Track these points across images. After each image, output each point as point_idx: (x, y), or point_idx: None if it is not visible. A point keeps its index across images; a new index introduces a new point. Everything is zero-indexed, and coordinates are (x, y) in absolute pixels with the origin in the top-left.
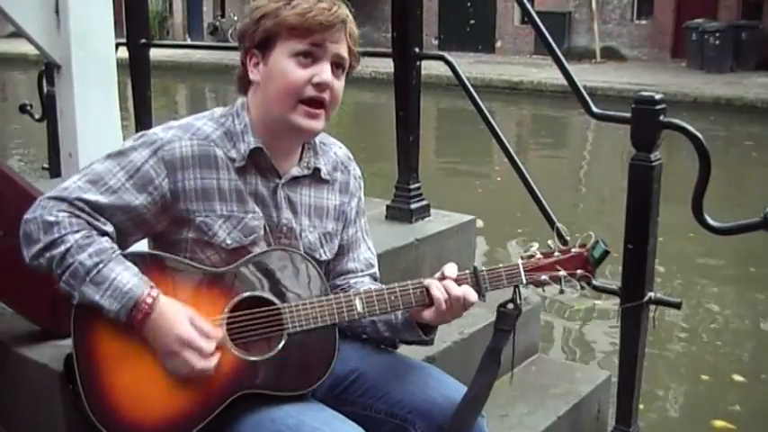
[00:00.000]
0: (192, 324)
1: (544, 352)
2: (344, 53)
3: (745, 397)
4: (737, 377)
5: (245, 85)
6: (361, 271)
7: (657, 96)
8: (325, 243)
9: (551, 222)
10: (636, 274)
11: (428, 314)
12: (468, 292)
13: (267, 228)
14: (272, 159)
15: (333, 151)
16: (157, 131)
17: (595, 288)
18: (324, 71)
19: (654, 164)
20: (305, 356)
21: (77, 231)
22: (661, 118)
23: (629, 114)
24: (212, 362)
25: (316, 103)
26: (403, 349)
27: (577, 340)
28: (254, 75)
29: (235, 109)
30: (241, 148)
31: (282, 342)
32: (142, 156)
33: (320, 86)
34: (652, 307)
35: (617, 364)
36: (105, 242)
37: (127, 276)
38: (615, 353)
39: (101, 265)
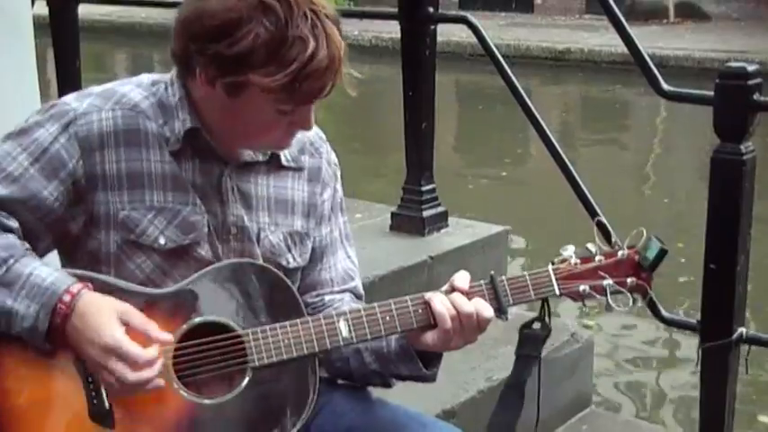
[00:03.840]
0: (121, 323)
1: (599, 405)
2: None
3: None
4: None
5: (185, 73)
6: (338, 284)
7: (751, 68)
8: (294, 246)
9: (593, 216)
10: (721, 304)
11: (431, 337)
12: (481, 306)
13: (211, 226)
14: (215, 142)
15: None
16: (69, 100)
17: (667, 322)
18: (306, 121)
19: (744, 157)
20: (275, 397)
21: None
22: (755, 97)
23: (711, 93)
24: (148, 373)
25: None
26: (413, 400)
27: (644, 389)
28: (204, 91)
29: (170, 77)
30: (175, 127)
31: (246, 379)
32: (50, 132)
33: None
34: (744, 347)
35: (697, 420)
36: (12, 237)
37: (45, 271)
38: (695, 406)
39: (11, 261)
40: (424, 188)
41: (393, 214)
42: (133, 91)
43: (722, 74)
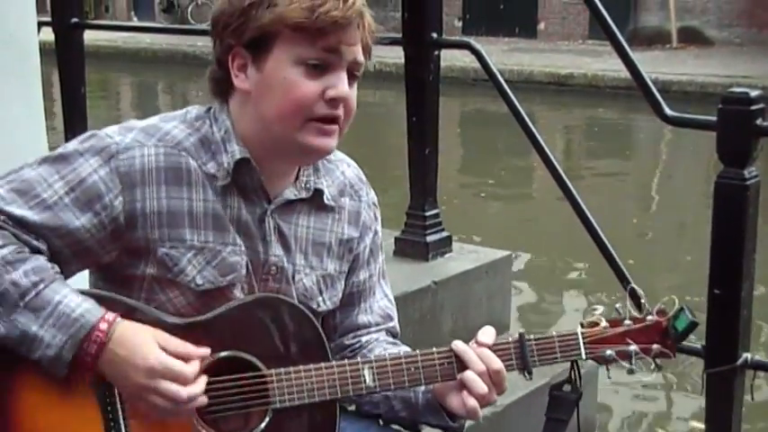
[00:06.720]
0: (161, 348)
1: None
2: (362, 57)
3: None
4: None
5: (223, 89)
6: (375, 324)
7: (754, 93)
8: (325, 289)
9: (621, 276)
10: (725, 329)
11: (455, 401)
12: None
13: (250, 266)
14: (264, 175)
15: (339, 170)
16: (112, 133)
17: None
18: (340, 82)
19: (748, 182)
20: None
21: (3, 246)
22: (758, 122)
23: (714, 118)
24: (198, 387)
25: (328, 119)
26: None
27: (649, 416)
28: (240, 81)
29: (212, 112)
30: (223, 161)
31: (266, 420)
32: (90, 164)
33: (335, 102)
34: (749, 373)
35: None
36: (42, 259)
37: (75, 299)
38: None
39: (41, 286)
40: (427, 213)
41: (397, 239)
42: (176, 128)
43: (725, 99)
